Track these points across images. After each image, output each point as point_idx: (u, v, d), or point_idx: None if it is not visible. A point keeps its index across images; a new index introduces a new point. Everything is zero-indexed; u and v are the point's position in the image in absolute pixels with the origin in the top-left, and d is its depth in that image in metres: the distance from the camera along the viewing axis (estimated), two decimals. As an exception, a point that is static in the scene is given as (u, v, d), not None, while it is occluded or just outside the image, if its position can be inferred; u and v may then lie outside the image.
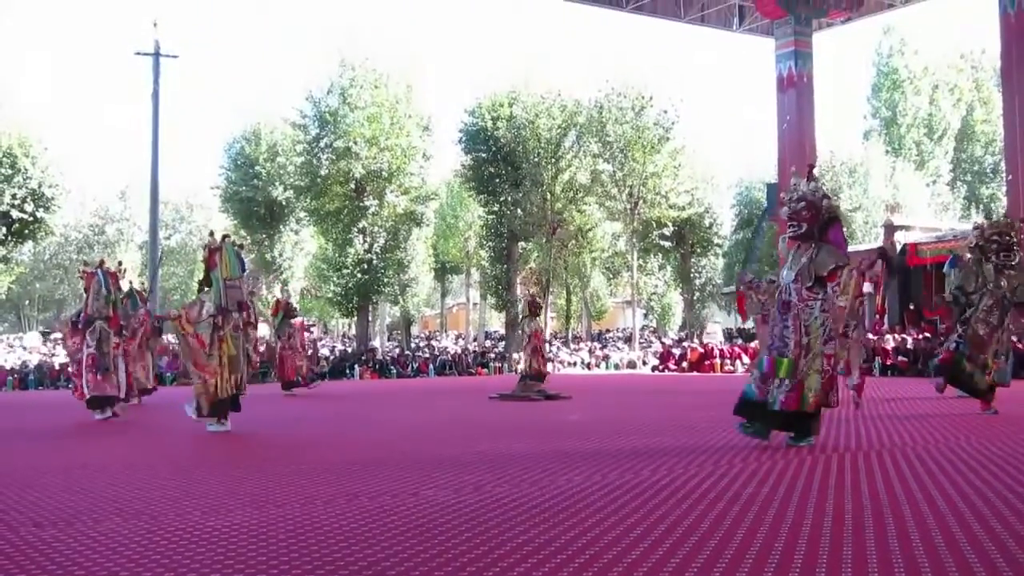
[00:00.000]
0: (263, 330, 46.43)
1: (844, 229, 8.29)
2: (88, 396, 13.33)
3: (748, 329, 36.78)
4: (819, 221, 8.02)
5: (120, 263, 15.22)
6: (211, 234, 11.51)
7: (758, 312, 8.36)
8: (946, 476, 6.11)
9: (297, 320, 21.25)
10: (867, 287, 30.42)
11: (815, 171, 8.44)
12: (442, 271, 50.48)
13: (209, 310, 10.85)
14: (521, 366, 20.07)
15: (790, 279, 7.98)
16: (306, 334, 21.68)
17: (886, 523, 4.56)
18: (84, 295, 13.91)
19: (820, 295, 7.87)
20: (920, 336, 24.82)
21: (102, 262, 14.27)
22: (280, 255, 45.21)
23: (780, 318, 7.96)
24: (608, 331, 50.59)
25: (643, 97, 35.56)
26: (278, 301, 21.93)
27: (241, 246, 11.67)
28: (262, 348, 33.24)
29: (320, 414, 14.50)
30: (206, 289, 11.10)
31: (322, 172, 35.02)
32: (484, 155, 37.80)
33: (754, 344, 32.50)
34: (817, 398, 7.81)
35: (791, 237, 8.10)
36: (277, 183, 41.00)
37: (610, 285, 49.42)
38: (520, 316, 20.37)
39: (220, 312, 10.83)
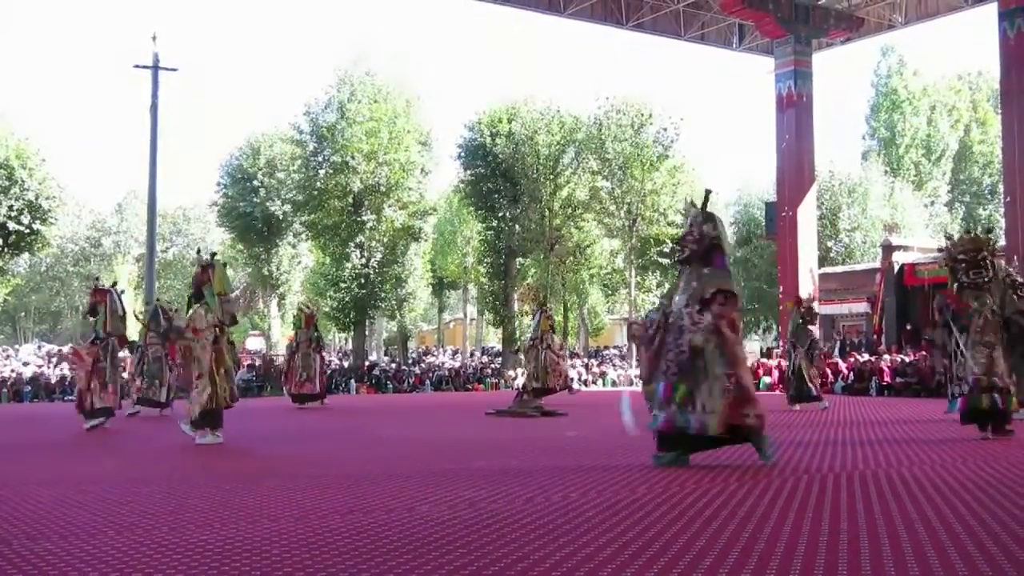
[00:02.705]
0: (255, 343, 46.66)
1: (727, 258, 8.38)
2: (96, 407, 13.51)
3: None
4: (701, 246, 8.17)
5: (115, 283, 15.49)
6: (198, 252, 11.96)
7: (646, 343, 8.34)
8: (942, 497, 6.10)
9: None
10: (864, 307, 30.48)
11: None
12: (440, 286, 50.45)
13: (210, 320, 11.03)
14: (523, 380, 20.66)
15: (682, 304, 8.09)
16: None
17: (881, 541, 4.55)
18: (90, 310, 14.10)
19: (706, 318, 7.93)
20: (918, 356, 24.78)
21: (98, 279, 14.62)
22: (277, 269, 45.24)
23: (674, 343, 8.00)
24: (606, 348, 50.54)
25: (642, 114, 35.55)
26: (312, 315, 22.02)
27: (225, 264, 12.00)
28: (258, 362, 33.48)
29: (315, 429, 14.47)
30: (202, 302, 11.24)
31: (319, 186, 35.00)
32: (483, 171, 37.82)
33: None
34: (724, 419, 7.81)
35: (677, 260, 8.39)
36: (275, 197, 41.04)
37: (608, 302, 49.42)
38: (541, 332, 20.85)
39: (218, 325, 11.04)
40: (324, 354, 21.07)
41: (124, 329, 14.01)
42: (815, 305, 18.51)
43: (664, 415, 7.99)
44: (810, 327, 18.25)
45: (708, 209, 8.46)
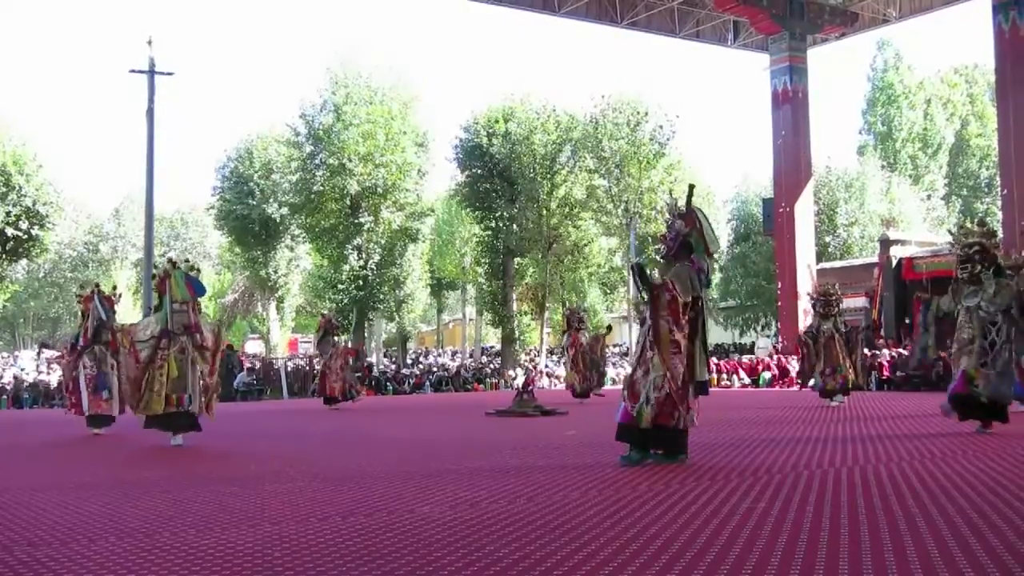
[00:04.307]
0: (254, 347, 46.52)
1: (704, 255, 8.29)
2: (88, 414, 13.62)
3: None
4: (676, 243, 8.29)
5: (115, 287, 15.53)
6: (169, 261, 12.16)
7: None
8: (943, 491, 6.11)
9: (341, 345, 21.53)
10: (863, 301, 30.47)
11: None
12: (438, 287, 50.47)
13: (153, 331, 11.33)
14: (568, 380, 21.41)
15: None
16: (348, 358, 21.72)
17: (882, 536, 4.55)
18: (81, 317, 14.36)
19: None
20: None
21: (97, 286, 14.57)
22: (275, 272, 45.22)
23: (642, 335, 8.28)
24: (605, 346, 50.50)
25: (638, 112, 35.54)
26: (321, 317, 22.49)
27: (197, 270, 12.20)
28: (257, 365, 33.40)
29: (316, 430, 14.47)
30: (156, 313, 11.69)
31: (316, 189, 35.00)
32: (480, 171, 37.84)
33: (747, 358, 32.52)
34: (654, 414, 7.86)
35: (661, 258, 8.55)
36: (272, 200, 41.02)
37: (606, 300, 49.45)
38: (562, 331, 21.58)
39: (164, 334, 11.27)
40: (325, 356, 21.12)
41: (107, 334, 13.89)
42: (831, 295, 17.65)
43: (624, 406, 8.11)
44: (825, 320, 17.33)
45: (692, 204, 8.47)
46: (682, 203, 8.44)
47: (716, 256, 8.64)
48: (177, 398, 11.23)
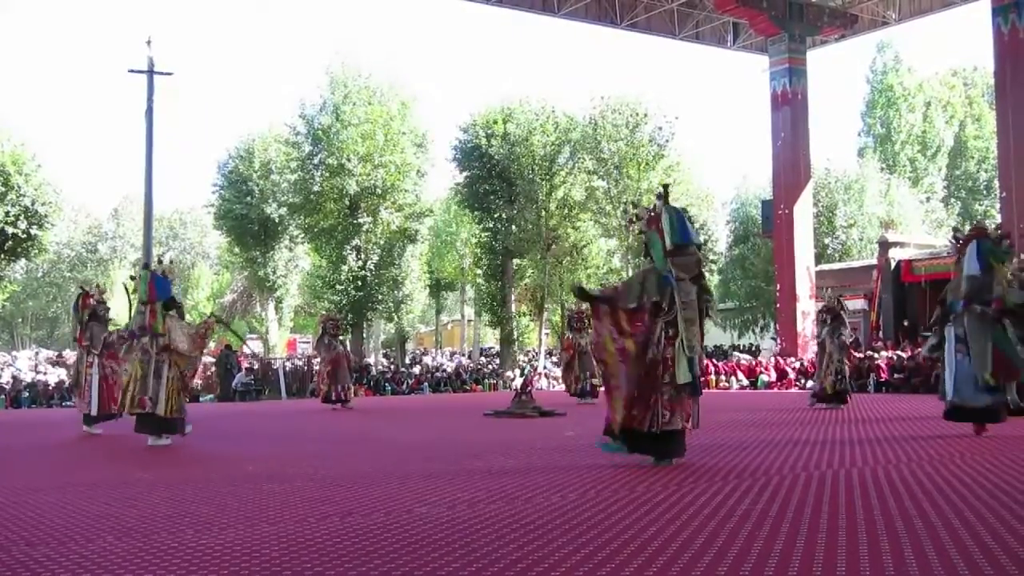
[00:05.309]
0: (252, 347, 46.48)
1: (657, 254, 8.20)
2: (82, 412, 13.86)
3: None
4: (644, 246, 8.49)
5: (98, 285, 15.69)
6: (144, 266, 12.44)
7: None
8: (941, 494, 6.11)
9: (337, 349, 21.34)
10: (861, 303, 30.38)
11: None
12: (437, 288, 50.42)
13: (122, 333, 11.95)
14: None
15: None
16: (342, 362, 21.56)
17: (880, 538, 4.56)
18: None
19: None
20: (916, 352, 24.75)
21: (96, 288, 14.82)
22: (274, 272, 45.14)
23: None
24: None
25: (637, 114, 35.42)
26: (321, 316, 22.73)
27: (171, 272, 12.50)
28: (256, 365, 33.38)
29: (313, 431, 14.45)
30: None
31: (315, 189, 34.96)
32: (478, 172, 37.80)
33: (746, 359, 32.53)
34: (622, 418, 7.91)
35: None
36: (271, 200, 40.97)
37: (605, 302, 49.37)
38: (561, 333, 21.64)
39: (130, 335, 11.70)
40: (323, 355, 21.14)
41: (76, 333, 14.10)
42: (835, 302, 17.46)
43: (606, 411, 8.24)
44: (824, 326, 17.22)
45: (668, 202, 8.41)
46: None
47: (691, 248, 8.35)
48: (139, 400, 11.35)
